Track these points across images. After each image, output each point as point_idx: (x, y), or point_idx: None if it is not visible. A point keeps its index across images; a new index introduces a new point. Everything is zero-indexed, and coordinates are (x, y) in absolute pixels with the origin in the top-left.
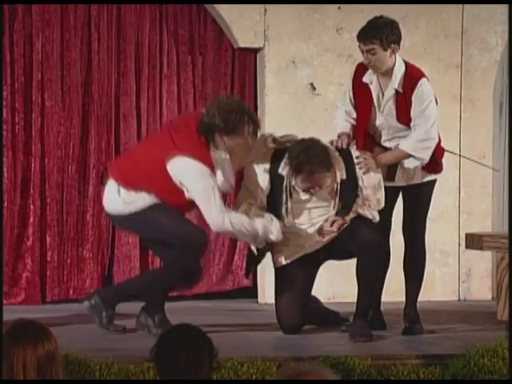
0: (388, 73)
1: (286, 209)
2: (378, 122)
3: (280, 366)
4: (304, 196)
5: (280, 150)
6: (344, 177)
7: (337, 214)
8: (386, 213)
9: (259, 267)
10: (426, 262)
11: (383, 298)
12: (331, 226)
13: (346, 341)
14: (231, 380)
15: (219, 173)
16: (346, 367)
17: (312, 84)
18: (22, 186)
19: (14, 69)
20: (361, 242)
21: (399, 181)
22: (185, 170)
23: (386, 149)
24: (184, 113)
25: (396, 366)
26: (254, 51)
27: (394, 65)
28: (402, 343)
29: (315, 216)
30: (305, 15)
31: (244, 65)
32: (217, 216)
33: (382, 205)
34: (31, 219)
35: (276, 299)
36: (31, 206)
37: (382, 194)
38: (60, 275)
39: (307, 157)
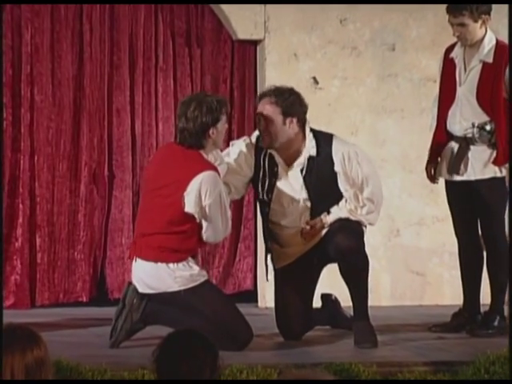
0: (476, 45)
1: (267, 185)
2: (455, 99)
3: (281, 373)
4: (281, 180)
5: None
6: (313, 153)
7: (313, 211)
8: (465, 213)
9: (259, 270)
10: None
11: (389, 303)
12: (311, 228)
13: (350, 347)
14: (231, 380)
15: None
16: (350, 374)
17: (315, 78)
18: (10, 184)
19: (2, 61)
20: (337, 249)
21: (467, 174)
22: (206, 182)
23: (461, 140)
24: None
25: (403, 374)
26: (254, 43)
27: (483, 36)
28: (409, 349)
29: (293, 204)
30: (307, 6)
31: (243, 57)
32: (223, 230)
33: (377, 205)
34: (20, 219)
35: (275, 306)
36: (20, 206)
37: (373, 193)
38: (50, 278)
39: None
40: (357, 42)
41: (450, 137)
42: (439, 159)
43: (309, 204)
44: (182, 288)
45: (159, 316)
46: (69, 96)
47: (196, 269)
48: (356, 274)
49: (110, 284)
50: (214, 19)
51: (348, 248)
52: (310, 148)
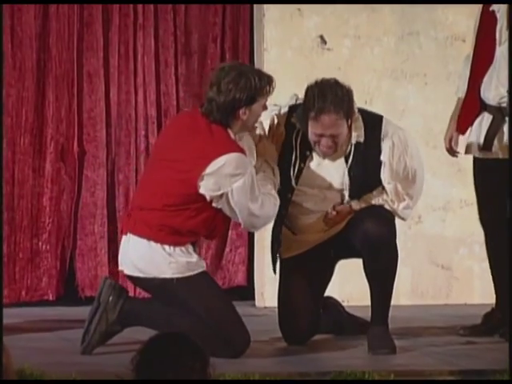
0: None
1: (295, 170)
2: (493, 61)
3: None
4: (316, 162)
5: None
6: (361, 139)
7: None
8: (494, 196)
9: (256, 262)
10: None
11: (409, 301)
12: (337, 214)
13: (363, 353)
14: (230, 380)
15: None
16: None
17: (322, 37)
18: None
19: (2, 49)
20: (365, 237)
21: (502, 152)
22: (230, 164)
23: (495, 110)
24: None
25: None
26: None
27: None
28: (432, 356)
29: (325, 191)
30: None
31: (237, 13)
32: (261, 214)
33: (415, 202)
34: None
35: (279, 302)
36: None
37: (416, 190)
38: (10, 272)
39: (323, 93)
40: None
41: (484, 106)
42: (469, 132)
43: (347, 193)
44: (176, 276)
45: (140, 316)
46: (31, 58)
47: (195, 257)
48: (382, 271)
49: (80, 280)
50: None
51: (378, 237)
52: (357, 133)
